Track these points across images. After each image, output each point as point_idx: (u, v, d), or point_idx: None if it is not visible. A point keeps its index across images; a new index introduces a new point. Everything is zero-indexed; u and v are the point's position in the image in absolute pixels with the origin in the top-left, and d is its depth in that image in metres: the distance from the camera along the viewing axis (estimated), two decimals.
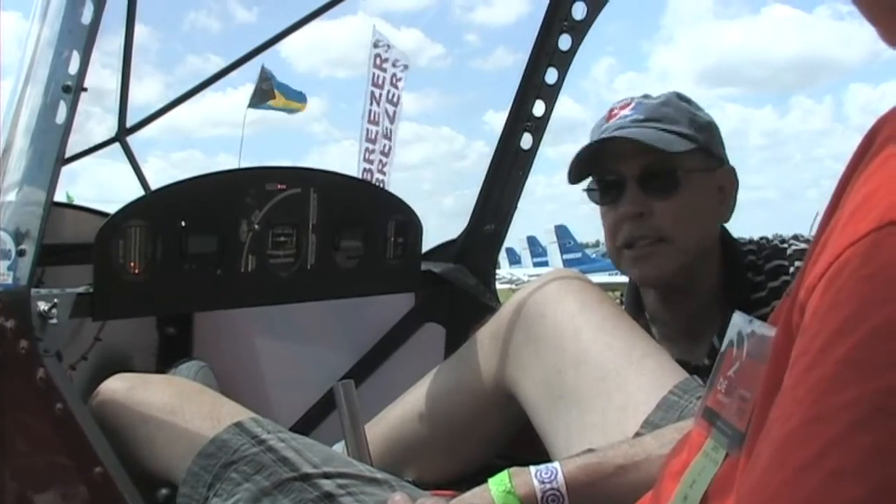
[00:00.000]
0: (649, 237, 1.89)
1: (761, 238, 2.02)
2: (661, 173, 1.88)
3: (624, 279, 2.06)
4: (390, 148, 14.54)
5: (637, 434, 1.43)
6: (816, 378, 0.60)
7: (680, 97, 1.97)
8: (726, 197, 1.97)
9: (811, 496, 0.57)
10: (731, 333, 0.86)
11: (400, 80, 14.71)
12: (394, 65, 14.62)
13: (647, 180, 1.88)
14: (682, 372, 1.59)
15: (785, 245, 1.95)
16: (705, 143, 1.92)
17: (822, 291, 0.62)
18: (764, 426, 0.71)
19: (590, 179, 1.97)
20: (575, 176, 1.94)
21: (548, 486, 1.29)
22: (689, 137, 1.89)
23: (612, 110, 1.96)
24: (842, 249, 0.62)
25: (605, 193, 1.94)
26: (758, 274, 1.94)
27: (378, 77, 14.37)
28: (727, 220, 1.99)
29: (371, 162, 14.19)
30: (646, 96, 1.98)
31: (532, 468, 1.31)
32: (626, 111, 1.93)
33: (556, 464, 1.31)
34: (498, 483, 1.29)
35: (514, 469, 1.31)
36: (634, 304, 2.06)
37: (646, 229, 1.88)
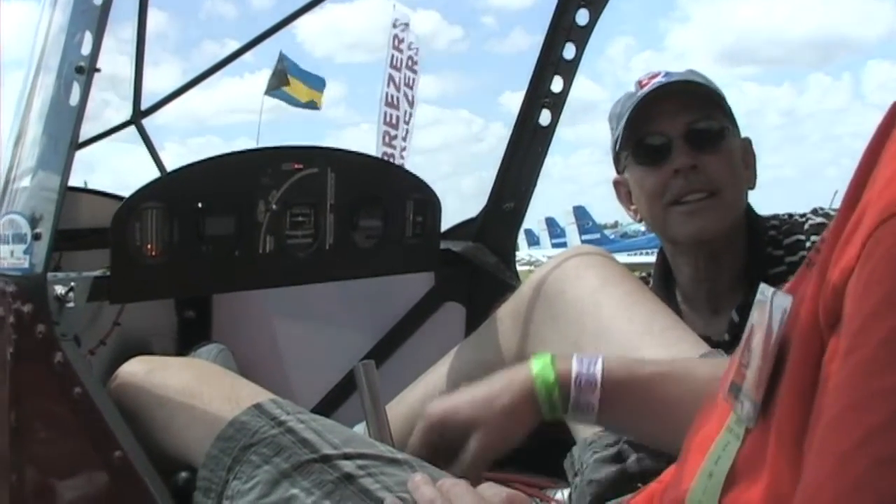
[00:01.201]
0: (702, 191, 1.90)
1: (784, 214, 2.02)
2: (707, 127, 1.91)
3: (645, 259, 2.07)
4: (408, 132, 14.48)
5: None
6: (855, 362, 0.58)
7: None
8: (749, 164, 2.00)
9: (856, 485, 0.55)
10: (755, 306, 0.84)
11: (416, 63, 14.65)
12: (409, 47, 14.57)
13: (694, 136, 1.91)
14: (704, 345, 1.57)
15: (803, 219, 1.96)
16: (729, 108, 1.97)
17: (858, 272, 0.61)
18: (782, 398, 0.71)
19: (622, 150, 1.99)
20: (623, 143, 1.97)
21: (586, 369, 1.33)
22: (721, 96, 1.95)
23: (640, 81, 1.98)
24: (873, 227, 0.61)
25: (647, 156, 1.95)
26: (777, 248, 1.94)
27: (396, 59, 14.32)
28: (753, 186, 2.01)
29: (393, 147, 14.14)
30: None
31: (576, 354, 1.36)
32: (659, 78, 1.95)
33: (599, 354, 1.35)
34: (541, 357, 1.37)
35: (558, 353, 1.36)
36: (663, 281, 2.07)
37: (698, 183, 1.90)
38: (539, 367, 1.36)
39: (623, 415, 1.35)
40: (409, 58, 14.55)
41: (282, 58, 15.40)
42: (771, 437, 0.72)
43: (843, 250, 0.64)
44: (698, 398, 1.19)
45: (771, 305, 0.80)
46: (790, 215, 2.01)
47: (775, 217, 2.01)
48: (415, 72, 14.60)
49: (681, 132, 1.90)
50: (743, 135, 2.01)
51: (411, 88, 14.55)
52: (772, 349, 0.76)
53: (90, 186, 2.37)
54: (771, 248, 1.95)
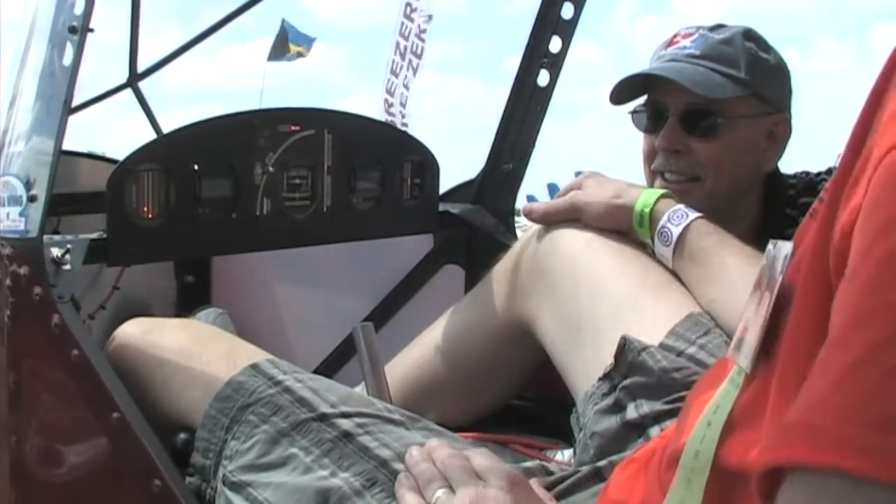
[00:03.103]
0: (683, 174, 1.88)
1: (801, 172, 2.00)
2: (703, 115, 1.86)
3: None
4: (407, 97, 14.37)
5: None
6: (858, 283, 0.58)
7: (748, 35, 1.91)
8: (774, 144, 1.94)
9: (859, 398, 0.55)
10: (763, 262, 0.84)
11: (424, 31, 14.50)
12: (420, 14, 14.41)
13: (689, 119, 1.87)
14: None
15: (818, 178, 1.94)
16: (760, 88, 1.88)
17: (864, 205, 0.61)
18: (786, 345, 0.71)
19: (636, 102, 1.97)
20: (617, 99, 1.93)
21: (683, 209, 1.58)
22: (741, 82, 1.85)
23: (674, 36, 1.94)
24: (879, 160, 0.60)
25: (648, 119, 1.94)
26: (793, 209, 1.92)
27: (406, 27, 14.19)
28: (770, 168, 1.97)
29: (392, 115, 14.06)
30: (716, 28, 1.93)
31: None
32: (686, 42, 1.90)
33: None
34: (653, 190, 1.65)
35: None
36: None
37: (680, 166, 1.88)
38: (647, 193, 1.63)
39: (693, 262, 1.53)
40: (418, 25, 14.40)
41: (284, 31, 15.39)
42: (773, 385, 0.72)
43: (852, 192, 0.64)
44: None
45: (772, 256, 0.81)
46: (807, 173, 1.98)
47: (795, 176, 1.99)
48: (423, 41, 14.46)
49: (679, 110, 1.87)
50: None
51: (419, 57, 14.41)
52: (773, 296, 0.76)
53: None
54: (788, 208, 1.93)
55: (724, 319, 1.45)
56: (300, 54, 15.94)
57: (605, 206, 1.64)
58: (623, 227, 1.64)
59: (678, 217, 1.56)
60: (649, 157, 1.93)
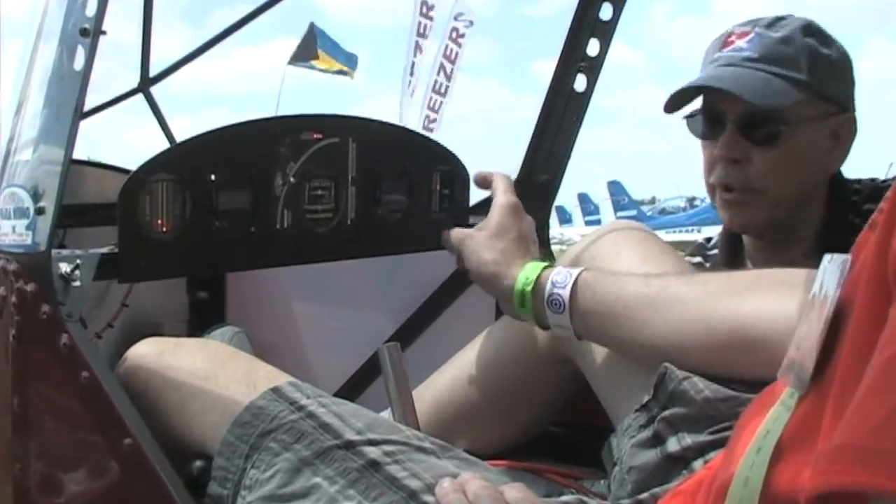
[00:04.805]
0: (744, 187, 1.82)
1: (867, 179, 1.93)
2: (763, 122, 1.80)
3: (685, 237, 2.00)
4: (442, 104, 14.35)
5: None
6: None
7: (808, 30, 1.84)
8: (840, 145, 1.87)
9: None
10: (818, 278, 0.80)
11: (463, 35, 14.51)
12: (456, 18, 14.42)
13: (748, 126, 1.80)
14: None
15: (885, 185, 1.88)
16: (822, 88, 1.81)
17: None
18: (842, 362, 0.67)
19: (691, 107, 1.90)
20: (672, 107, 1.87)
21: (565, 272, 1.43)
22: (802, 85, 1.78)
23: (729, 36, 1.87)
24: None
25: (705, 126, 1.88)
26: (856, 216, 1.84)
27: (423, 26, 14.19)
28: (835, 169, 1.90)
29: (431, 121, 14.03)
30: (773, 24, 1.84)
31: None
32: (742, 42, 1.83)
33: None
34: (536, 262, 1.50)
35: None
36: (730, 247, 2.02)
37: (738, 178, 1.82)
38: (529, 269, 1.48)
39: (594, 310, 1.40)
40: (455, 30, 14.39)
41: (311, 28, 15.28)
42: (828, 404, 0.67)
43: None
44: (676, 307, 1.33)
45: (827, 270, 0.77)
46: (873, 180, 1.92)
47: (859, 181, 1.91)
48: (460, 45, 14.45)
49: (736, 116, 1.80)
50: None
51: (452, 62, 14.41)
52: (828, 312, 0.72)
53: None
54: (851, 214, 1.85)
55: (662, 352, 1.35)
56: (344, 72, 15.78)
57: (482, 274, 1.58)
58: (497, 297, 1.58)
59: (562, 279, 1.43)
60: (709, 167, 1.88)
